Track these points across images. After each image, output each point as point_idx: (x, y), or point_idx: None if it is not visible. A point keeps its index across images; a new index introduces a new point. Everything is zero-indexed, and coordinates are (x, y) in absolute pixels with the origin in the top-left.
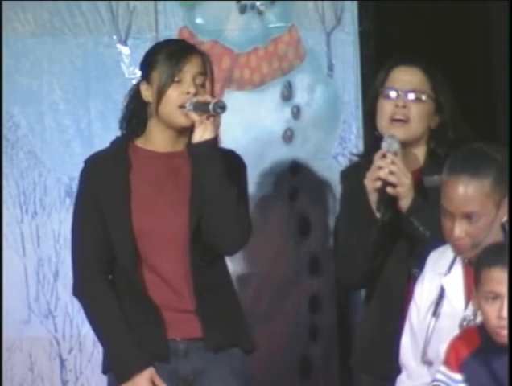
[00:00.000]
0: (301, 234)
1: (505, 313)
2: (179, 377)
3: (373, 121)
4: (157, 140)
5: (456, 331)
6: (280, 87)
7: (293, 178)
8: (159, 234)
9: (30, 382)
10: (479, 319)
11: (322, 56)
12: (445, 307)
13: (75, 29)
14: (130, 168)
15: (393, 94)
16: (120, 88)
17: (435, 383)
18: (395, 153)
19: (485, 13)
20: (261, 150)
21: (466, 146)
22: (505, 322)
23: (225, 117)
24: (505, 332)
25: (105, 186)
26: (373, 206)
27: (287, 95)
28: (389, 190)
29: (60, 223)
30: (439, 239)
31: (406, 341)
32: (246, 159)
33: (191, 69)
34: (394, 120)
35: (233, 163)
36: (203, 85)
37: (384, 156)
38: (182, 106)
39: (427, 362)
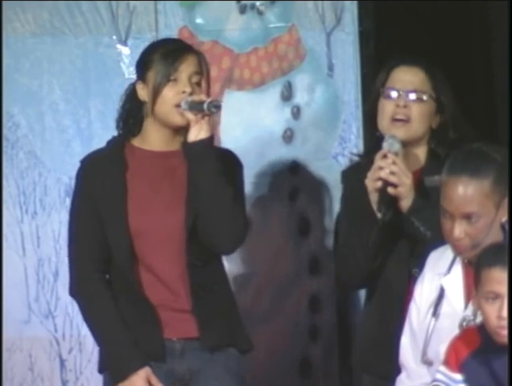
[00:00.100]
0: (301, 234)
1: (505, 313)
2: (175, 377)
3: (374, 121)
4: (153, 139)
5: (456, 331)
6: (280, 87)
7: (293, 178)
8: (156, 234)
9: (30, 382)
10: (479, 319)
11: (322, 56)
12: (445, 307)
13: (75, 29)
14: (126, 168)
15: (394, 94)
16: (120, 88)
17: (435, 383)
18: (396, 154)
19: (485, 13)
20: (261, 150)
21: (466, 147)
22: (505, 322)
23: (224, 117)
24: (505, 332)
25: (101, 185)
26: (374, 206)
27: (287, 95)
28: (390, 190)
29: (60, 223)
30: (439, 239)
31: (405, 341)
32: (246, 159)
33: (186, 68)
34: (395, 120)
35: (229, 163)
36: (199, 84)
37: (385, 156)
38: (178, 105)
39: (427, 362)
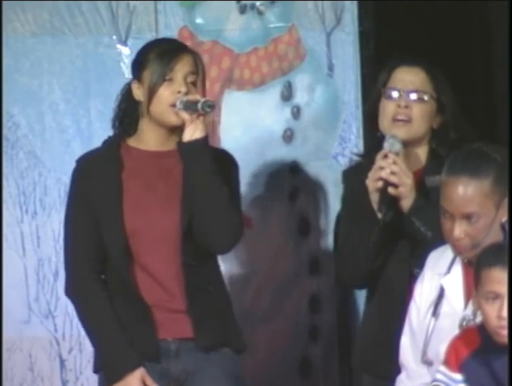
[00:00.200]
0: (301, 234)
1: (505, 313)
2: (170, 377)
3: (375, 122)
4: (148, 139)
5: (456, 331)
6: (280, 87)
7: (293, 178)
8: (151, 233)
9: (30, 382)
10: (478, 319)
11: (322, 56)
12: (445, 307)
13: (75, 29)
14: (121, 168)
15: (395, 94)
16: (120, 88)
17: (435, 383)
18: (397, 154)
19: (485, 13)
20: (261, 150)
21: (466, 147)
22: (505, 322)
23: (224, 117)
24: (505, 332)
25: (96, 185)
26: (375, 206)
27: (287, 95)
28: (390, 190)
29: (60, 223)
30: (440, 239)
31: (405, 341)
32: (246, 159)
33: (182, 68)
34: (396, 120)
35: (224, 162)
36: (194, 84)
37: (386, 156)
38: (173, 105)
39: (427, 362)
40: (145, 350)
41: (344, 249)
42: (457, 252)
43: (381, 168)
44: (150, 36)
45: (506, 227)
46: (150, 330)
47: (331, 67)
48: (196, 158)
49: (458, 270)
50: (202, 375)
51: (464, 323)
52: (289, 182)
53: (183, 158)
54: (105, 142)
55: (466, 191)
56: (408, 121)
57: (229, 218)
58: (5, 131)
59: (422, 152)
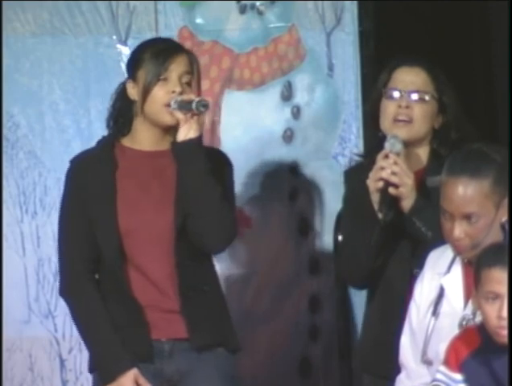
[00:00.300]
0: (301, 234)
1: (505, 313)
2: (163, 378)
3: (376, 122)
4: (143, 139)
5: (456, 331)
6: (280, 87)
7: (293, 178)
8: (145, 233)
9: (30, 382)
10: (478, 318)
11: (322, 56)
12: (445, 307)
13: (75, 29)
14: (116, 167)
15: (396, 94)
16: None
17: (435, 383)
18: (398, 154)
19: (485, 13)
20: (261, 150)
21: (465, 147)
22: (505, 322)
23: (224, 117)
24: (505, 332)
25: (91, 185)
26: (376, 206)
27: (287, 95)
28: (391, 190)
29: None
30: (441, 239)
31: (405, 341)
32: (246, 159)
33: (177, 68)
34: (397, 120)
35: (218, 162)
36: (189, 84)
37: (386, 156)
38: (167, 105)
39: (427, 361)
40: (138, 350)
41: (345, 249)
42: (457, 252)
43: (382, 168)
44: (150, 36)
45: (506, 227)
46: (143, 331)
47: (331, 67)
48: (190, 158)
49: (458, 270)
50: (196, 376)
51: (464, 323)
52: (289, 182)
53: (177, 158)
54: (100, 142)
55: (466, 192)
56: (409, 121)
57: (223, 218)
58: (5, 131)
59: (423, 152)
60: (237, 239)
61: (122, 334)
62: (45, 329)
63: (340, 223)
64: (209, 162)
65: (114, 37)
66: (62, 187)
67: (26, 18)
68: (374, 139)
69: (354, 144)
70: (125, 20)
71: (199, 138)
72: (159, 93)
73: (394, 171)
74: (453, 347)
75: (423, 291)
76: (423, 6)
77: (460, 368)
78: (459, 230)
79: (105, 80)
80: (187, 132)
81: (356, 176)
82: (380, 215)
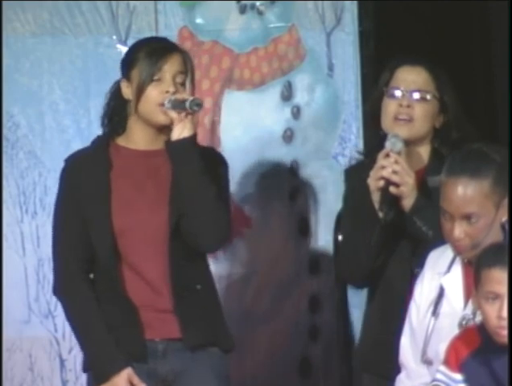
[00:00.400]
0: (301, 234)
1: (505, 313)
2: (157, 378)
3: (377, 121)
4: (137, 138)
5: (456, 331)
6: (280, 87)
7: (293, 178)
8: (139, 233)
9: (30, 382)
10: (478, 318)
11: (322, 56)
12: (444, 306)
13: (75, 29)
14: (110, 167)
15: (397, 93)
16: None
17: (435, 383)
18: (399, 153)
19: (485, 13)
20: (261, 150)
21: (465, 147)
22: (505, 322)
23: (224, 117)
24: (505, 332)
25: (85, 185)
26: (376, 205)
27: (287, 95)
28: (392, 189)
29: None
30: (441, 239)
31: (405, 340)
32: (246, 159)
33: (171, 68)
34: (398, 119)
35: (213, 161)
36: (183, 84)
37: (387, 155)
38: (161, 104)
39: (427, 361)
40: (132, 350)
41: (346, 248)
42: (457, 252)
43: (383, 167)
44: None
45: (506, 227)
46: (137, 331)
47: (331, 67)
48: (183, 157)
49: (458, 270)
50: (190, 376)
51: (464, 322)
52: (289, 182)
53: (171, 157)
54: (94, 142)
55: (466, 192)
56: (410, 120)
57: (218, 217)
58: (5, 131)
59: (424, 151)
60: (237, 239)
61: (116, 334)
62: (45, 329)
63: (340, 223)
64: (204, 161)
65: (114, 37)
66: None
67: (26, 18)
68: (374, 138)
69: (354, 144)
70: (125, 20)
71: (193, 137)
72: (153, 93)
73: (394, 170)
74: (453, 347)
75: (423, 291)
76: (423, 6)
77: (460, 368)
78: (459, 230)
79: (105, 80)
80: (181, 131)
81: (356, 175)
82: (380, 215)
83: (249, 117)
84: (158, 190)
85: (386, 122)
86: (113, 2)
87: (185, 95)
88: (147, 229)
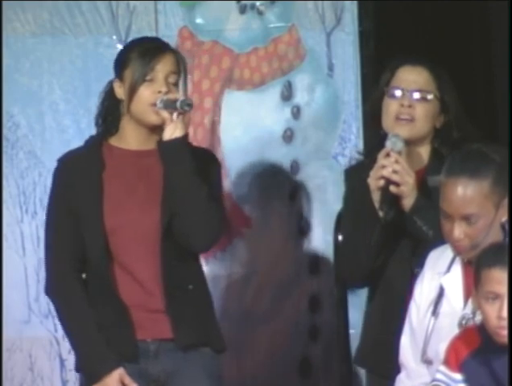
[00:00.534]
0: (301, 234)
1: (505, 313)
2: (149, 378)
3: (377, 120)
4: (130, 138)
5: (456, 330)
6: (280, 87)
7: (293, 178)
8: (131, 233)
9: (30, 382)
10: (478, 318)
11: (322, 56)
12: (444, 306)
13: (75, 29)
14: (102, 167)
15: (398, 93)
16: None
17: (435, 382)
18: (399, 152)
19: (485, 13)
20: (261, 150)
21: (465, 147)
22: (505, 322)
23: (224, 117)
24: (505, 332)
25: (77, 184)
26: (377, 205)
27: (287, 95)
28: (392, 189)
29: None
30: (441, 238)
31: (405, 340)
32: (246, 159)
33: (163, 68)
34: (399, 119)
35: (205, 161)
36: (175, 84)
37: (388, 155)
38: (153, 104)
39: (427, 361)
40: (123, 351)
41: (346, 248)
42: (457, 252)
43: (383, 167)
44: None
45: (506, 227)
46: (128, 332)
47: (331, 67)
48: (175, 157)
49: (458, 269)
50: (182, 376)
51: (464, 322)
52: (289, 182)
53: (163, 157)
54: (87, 142)
55: (465, 192)
56: (411, 120)
57: (210, 217)
58: (5, 131)
59: (424, 151)
60: (237, 239)
61: (108, 334)
62: (45, 329)
63: (340, 223)
64: (196, 161)
65: (114, 37)
66: None
67: (26, 18)
68: (374, 138)
69: (354, 144)
70: (125, 20)
71: (184, 137)
72: (145, 93)
73: (395, 170)
74: (453, 347)
75: (423, 291)
76: (423, 6)
77: (460, 368)
78: (458, 231)
79: (105, 80)
80: (172, 131)
81: (356, 175)
82: (381, 214)
83: (249, 117)
84: (150, 190)
85: (387, 122)
86: (113, 2)
87: (177, 95)
88: (139, 229)
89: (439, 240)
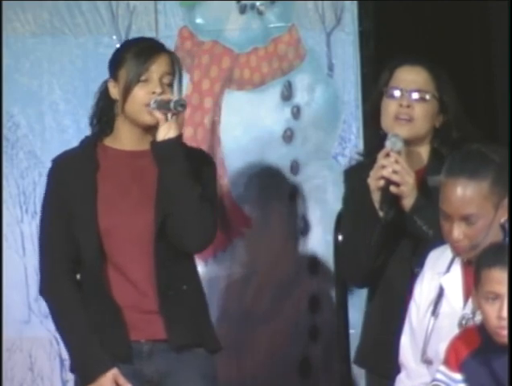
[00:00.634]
0: (301, 234)
1: (505, 313)
2: (143, 379)
3: (377, 120)
4: (124, 138)
5: (456, 330)
6: (280, 87)
7: (293, 178)
8: (124, 233)
9: (30, 382)
10: (478, 318)
11: (322, 56)
12: (444, 306)
13: (75, 29)
14: (97, 167)
15: (397, 93)
16: None
17: (435, 382)
18: (399, 152)
19: (485, 13)
20: (261, 150)
21: (464, 148)
22: (505, 322)
23: (224, 117)
24: (505, 332)
25: (71, 185)
26: (377, 205)
27: (287, 95)
28: (392, 189)
29: None
30: (441, 238)
31: (405, 340)
32: (246, 159)
33: (158, 68)
34: (398, 119)
35: (199, 161)
36: (170, 85)
37: (387, 155)
38: (147, 105)
39: (427, 361)
40: (117, 351)
41: (346, 248)
42: (457, 253)
43: (383, 167)
44: (150, 36)
45: (506, 227)
46: (122, 332)
47: (331, 67)
48: (169, 158)
49: (457, 269)
50: (176, 377)
51: (464, 322)
52: (289, 182)
53: (156, 158)
54: (82, 142)
55: (465, 193)
56: (410, 120)
57: (203, 218)
58: (5, 131)
59: (424, 151)
60: (237, 239)
61: (101, 334)
62: (45, 329)
63: (340, 223)
64: (191, 161)
65: (114, 37)
66: None
67: (26, 18)
68: (374, 138)
69: (354, 144)
70: (125, 20)
71: (178, 138)
72: (140, 93)
73: (395, 170)
74: (453, 347)
75: (423, 291)
76: (423, 6)
77: (460, 368)
78: (458, 231)
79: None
80: (166, 131)
81: (356, 175)
82: (381, 214)
83: (249, 117)
84: (143, 190)
85: (387, 122)
86: (113, 2)
87: (170, 95)
88: (133, 230)
89: (439, 239)
